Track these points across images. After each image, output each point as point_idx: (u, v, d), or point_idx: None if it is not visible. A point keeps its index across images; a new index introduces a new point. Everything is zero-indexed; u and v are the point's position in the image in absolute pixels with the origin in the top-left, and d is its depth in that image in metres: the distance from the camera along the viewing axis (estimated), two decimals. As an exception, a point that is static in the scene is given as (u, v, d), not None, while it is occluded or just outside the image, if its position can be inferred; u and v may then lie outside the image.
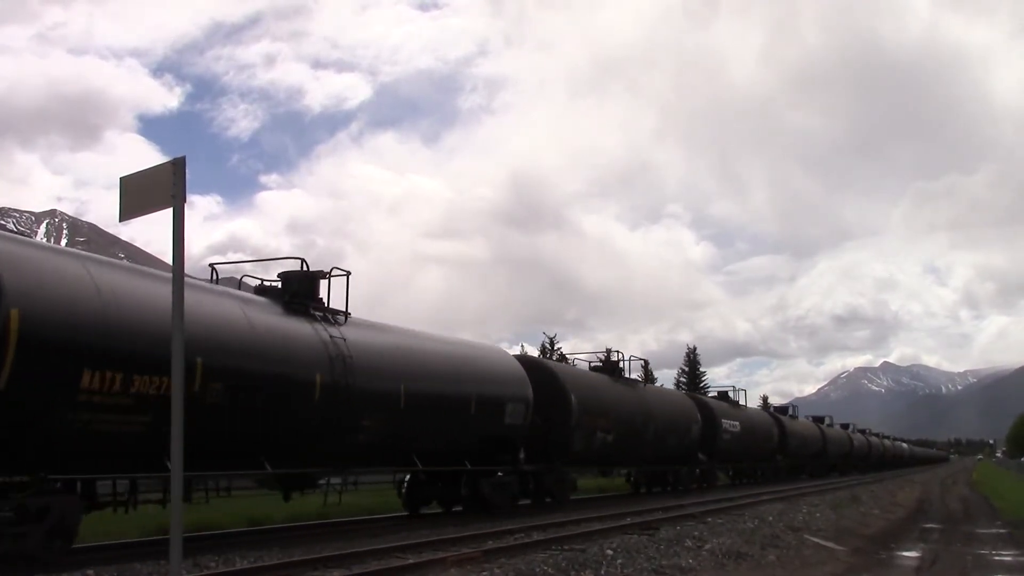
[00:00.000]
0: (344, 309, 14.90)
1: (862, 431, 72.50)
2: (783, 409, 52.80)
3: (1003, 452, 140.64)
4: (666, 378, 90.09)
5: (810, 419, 54.80)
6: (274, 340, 12.77)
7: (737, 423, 34.25)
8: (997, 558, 12.96)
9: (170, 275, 6.92)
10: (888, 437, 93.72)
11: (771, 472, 41.25)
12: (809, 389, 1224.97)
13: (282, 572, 9.59)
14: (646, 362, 32.78)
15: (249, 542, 12.55)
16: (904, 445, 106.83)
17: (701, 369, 66.53)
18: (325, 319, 14.27)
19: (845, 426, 65.70)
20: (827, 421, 59.31)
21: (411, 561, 10.17)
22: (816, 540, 13.96)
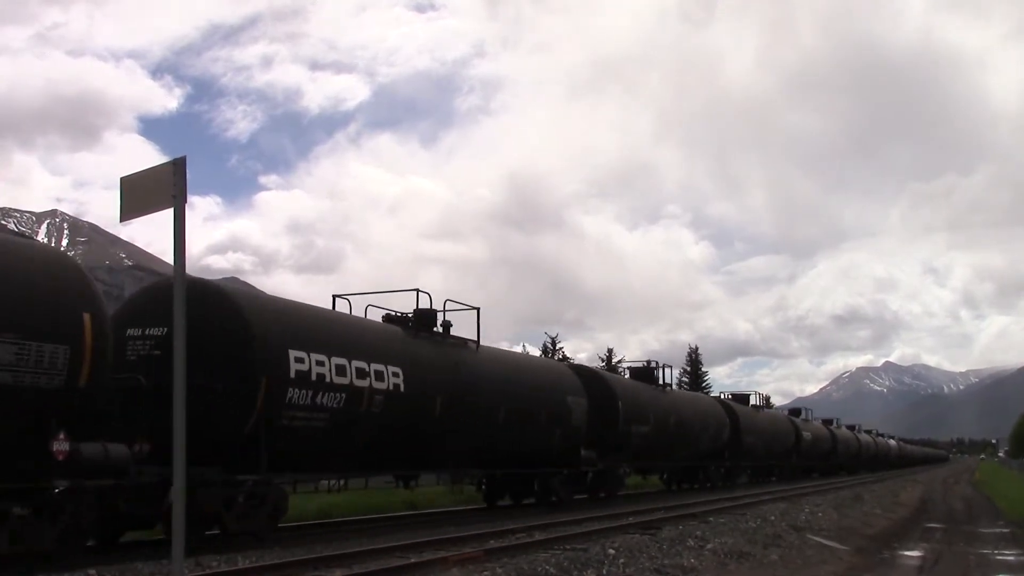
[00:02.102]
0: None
1: (827, 422, 57.12)
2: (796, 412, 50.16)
3: (1005, 452, 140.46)
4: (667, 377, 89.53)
5: (728, 396, 39.06)
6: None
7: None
8: (1000, 557, 12.96)
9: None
10: (870, 431, 75.76)
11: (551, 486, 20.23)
12: (811, 389, 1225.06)
13: (282, 572, 9.58)
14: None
15: (250, 541, 12.53)
16: (891, 442, 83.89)
17: (703, 369, 66.41)
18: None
19: (796, 412, 50.61)
20: (753, 400, 41.14)
21: (412, 560, 10.15)
22: (818, 539, 13.94)
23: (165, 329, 11.61)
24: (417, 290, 16.91)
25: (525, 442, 18.70)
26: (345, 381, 13.46)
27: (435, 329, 16.97)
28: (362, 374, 13.88)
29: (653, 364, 27.86)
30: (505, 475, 19.53)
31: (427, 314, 16.95)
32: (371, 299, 16.50)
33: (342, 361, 13.48)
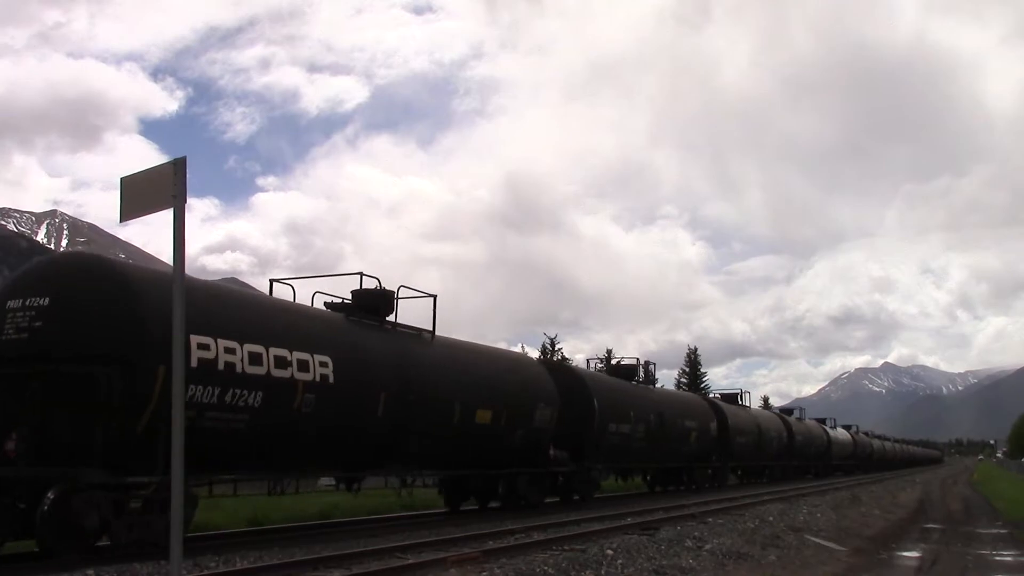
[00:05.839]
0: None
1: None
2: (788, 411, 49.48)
3: (1003, 452, 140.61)
4: (666, 379, 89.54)
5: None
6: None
7: None
8: (998, 558, 12.98)
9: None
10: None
11: None
12: (809, 389, 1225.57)
13: (282, 572, 9.58)
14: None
15: (249, 542, 12.54)
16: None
17: (702, 370, 66.43)
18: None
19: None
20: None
21: (411, 561, 10.16)
22: (817, 540, 13.95)
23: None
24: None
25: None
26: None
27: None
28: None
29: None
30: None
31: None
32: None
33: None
